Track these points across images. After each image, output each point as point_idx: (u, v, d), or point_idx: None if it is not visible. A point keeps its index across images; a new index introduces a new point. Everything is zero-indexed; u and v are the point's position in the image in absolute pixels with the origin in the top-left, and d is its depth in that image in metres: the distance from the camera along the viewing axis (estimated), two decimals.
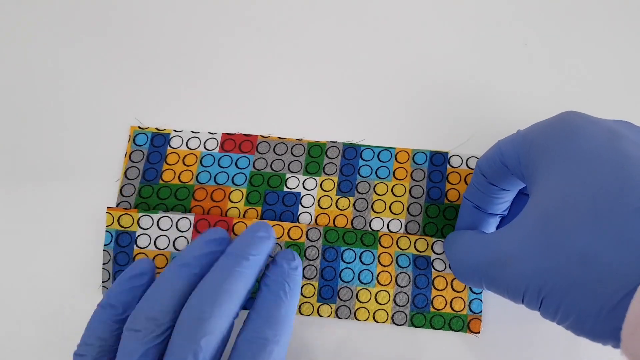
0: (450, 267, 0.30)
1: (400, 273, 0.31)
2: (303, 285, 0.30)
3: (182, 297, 0.25)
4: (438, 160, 0.33)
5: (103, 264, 0.31)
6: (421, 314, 0.30)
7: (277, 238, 0.31)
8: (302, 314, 0.30)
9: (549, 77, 0.35)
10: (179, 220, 0.31)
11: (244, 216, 0.32)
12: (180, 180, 0.32)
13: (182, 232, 0.31)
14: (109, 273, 0.30)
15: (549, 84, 0.35)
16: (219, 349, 0.24)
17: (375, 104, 0.34)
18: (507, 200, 0.29)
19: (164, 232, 0.31)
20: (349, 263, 0.31)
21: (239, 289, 0.25)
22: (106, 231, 0.31)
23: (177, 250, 0.31)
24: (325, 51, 0.36)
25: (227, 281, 0.25)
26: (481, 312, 0.30)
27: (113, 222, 0.31)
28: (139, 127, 0.34)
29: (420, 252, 0.31)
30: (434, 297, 0.30)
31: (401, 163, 0.33)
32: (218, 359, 0.24)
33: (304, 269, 0.31)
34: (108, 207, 0.32)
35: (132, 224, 0.31)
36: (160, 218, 0.31)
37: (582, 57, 0.35)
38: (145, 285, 0.26)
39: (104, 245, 0.31)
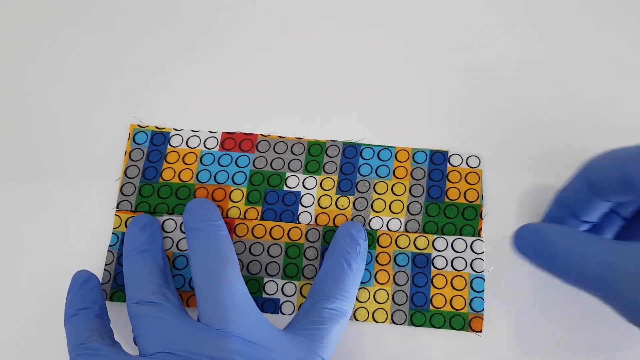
0: (532, 261, 0.27)
1: (399, 271, 0.31)
2: (302, 286, 0.31)
3: (160, 273, 0.28)
4: (438, 159, 0.33)
5: (105, 264, 0.31)
6: (420, 312, 0.30)
7: (277, 239, 0.31)
8: None
9: (549, 74, 0.35)
10: (182, 223, 0.32)
11: (244, 216, 0.32)
12: (180, 179, 0.32)
13: (185, 234, 0.32)
14: (110, 274, 0.31)
15: (550, 81, 0.34)
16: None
17: (376, 103, 0.34)
18: (607, 211, 0.28)
19: (168, 234, 0.32)
20: None
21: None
22: (113, 233, 0.32)
23: (180, 250, 0.31)
24: (325, 50, 0.35)
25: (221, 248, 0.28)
26: (483, 310, 0.30)
27: (120, 225, 0.32)
28: (139, 126, 0.34)
29: (420, 249, 0.31)
30: (433, 296, 0.31)
31: (401, 162, 0.33)
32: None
33: (303, 269, 0.31)
34: (116, 210, 0.32)
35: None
36: (165, 220, 0.32)
37: (582, 54, 0.35)
38: (96, 287, 0.28)
39: (109, 246, 0.31)
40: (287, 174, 0.33)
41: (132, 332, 0.26)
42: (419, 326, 0.30)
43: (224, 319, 0.25)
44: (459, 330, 0.30)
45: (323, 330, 0.26)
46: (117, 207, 0.32)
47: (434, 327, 0.30)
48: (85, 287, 0.28)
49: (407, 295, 0.31)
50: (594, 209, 0.27)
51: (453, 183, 0.32)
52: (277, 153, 0.33)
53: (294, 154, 0.33)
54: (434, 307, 0.30)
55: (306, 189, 0.32)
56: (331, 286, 0.28)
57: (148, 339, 0.25)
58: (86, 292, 0.28)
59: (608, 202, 0.27)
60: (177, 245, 0.31)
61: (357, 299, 0.30)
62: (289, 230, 0.31)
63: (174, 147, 0.33)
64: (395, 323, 0.30)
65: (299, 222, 0.32)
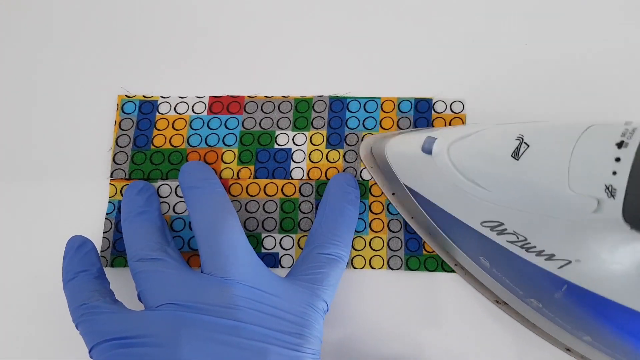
0: None
1: (392, 219, 0.32)
2: (299, 239, 0.31)
3: (159, 232, 0.29)
4: (423, 107, 0.33)
5: (104, 232, 0.32)
6: (415, 257, 0.31)
7: (272, 195, 0.32)
8: None
9: (534, 25, 0.35)
10: (177, 186, 0.32)
11: (237, 176, 0.32)
12: (171, 145, 0.33)
13: (181, 197, 0.32)
14: (109, 241, 0.31)
15: (534, 26, 0.35)
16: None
17: (359, 55, 0.35)
18: None
19: (164, 199, 0.32)
20: None
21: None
22: (109, 201, 0.32)
23: (177, 213, 0.32)
24: (304, 5, 0.36)
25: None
26: None
27: (116, 193, 0.32)
28: (126, 96, 0.34)
29: None
30: (425, 241, 0.31)
31: (387, 112, 0.33)
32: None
33: (299, 222, 0.32)
34: (110, 179, 0.32)
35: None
36: (160, 186, 0.32)
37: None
38: (92, 250, 0.28)
39: (106, 214, 0.32)
40: (277, 132, 0.33)
41: (136, 289, 0.27)
42: (414, 270, 0.31)
43: (227, 268, 0.26)
44: (450, 272, 0.31)
45: (322, 274, 0.27)
46: (111, 176, 0.33)
47: (428, 270, 0.31)
48: (80, 251, 0.28)
49: (401, 241, 0.31)
50: None
51: None
52: (265, 113, 0.33)
53: (282, 112, 0.33)
54: (427, 251, 0.31)
55: (296, 145, 0.33)
56: (326, 233, 0.29)
57: (152, 293, 0.26)
58: (82, 256, 0.28)
59: None
60: (173, 209, 0.32)
61: (353, 247, 0.31)
62: (283, 186, 0.32)
63: (162, 114, 0.34)
64: (391, 268, 0.31)
65: (292, 178, 0.32)
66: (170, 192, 0.32)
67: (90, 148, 0.33)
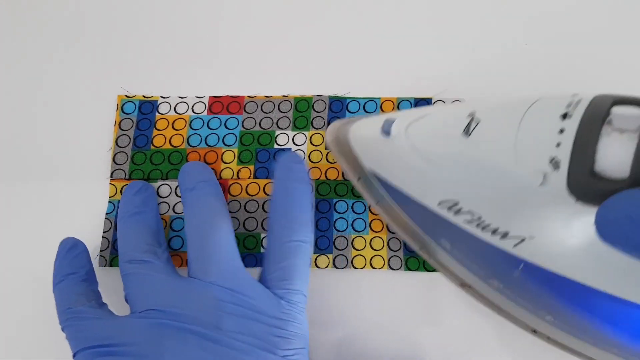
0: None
1: None
2: None
3: (151, 233, 0.29)
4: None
5: (103, 232, 0.32)
6: (414, 257, 0.31)
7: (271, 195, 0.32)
8: None
9: (535, 25, 0.35)
10: (177, 186, 0.32)
11: (237, 176, 0.32)
12: (171, 145, 0.33)
13: (180, 197, 0.32)
14: (108, 241, 0.31)
15: (533, 32, 0.35)
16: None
17: (359, 55, 0.35)
18: None
19: (164, 199, 0.32)
20: (342, 213, 0.32)
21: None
22: (109, 201, 0.32)
23: (176, 213, 0.32)
24: (304, 5, 0.36)
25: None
26: None
27: (116, 193, 0.32)
28: (126, 96, 0.34)
29: None
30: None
31: (387, 112, 0.33)
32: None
33: None
34: (110, 179, 0.32)
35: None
36: (160, 186, 0.32)
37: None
38: (83, 253, 0.28)
39: (106, 214, 0.32)
40: (277, 132, 0.33)
41: (124, 291, 0.27)
42: (414, 270, 0.31)
43: (207, 270, 0.26)
44: None
45: (288, 266, 0.27)
46: (111, 176, 0.33)
47: (427, 270, 0.31)
48: (71, 254, 0.28)
49: (400, 242, 0.31)
50: None
51: None
52: (264, 112, 0.33)
53: (282, 112, 0.33)
54: None
55: (296, 145, 0.33)
56: (280, 220, 0.28)
57: (137, 297, 0.26)
58: (72, 259, 0.28)
59: None
60: (173, 209, 0.32)
61: (354, 247, 0.31)
62: None
63: (162, 114, 0.34)
64: (392, 268, 0.31)
65: None
66: (170, 192, 0.32)
67: (90, 148, 0.33)
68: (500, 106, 0.23)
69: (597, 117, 0.19)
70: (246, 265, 0.31)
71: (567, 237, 0.21)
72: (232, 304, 0.25)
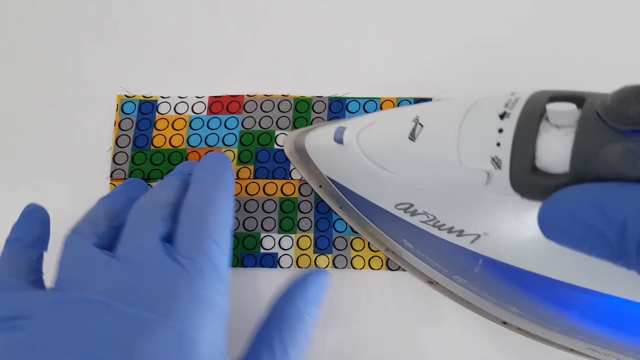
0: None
1: None
2: (298, 239, 0.31)
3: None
4: None
5: None
6: None
7: (271, 195, 0.32)
8: (300, 267, 0.31)
9: (535, 24, 0.35)
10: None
11: (237, 176, 0.32)
12: (171, 145, 0.33)
13: None
14: None
15: (534, 32, 0.35)
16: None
17: (359, 56, 0.35)
18: None
19: None
20: None
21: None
22: None
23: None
24: (303, 5, 0.36)
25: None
26: None
27: None
28: (126, 96, 0.34)
29: None
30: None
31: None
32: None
33: (298, 222, 0.32)
34: (110, 179, 0.32)
35: None
36: None
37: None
38: (37, 219, 0.27)
39: None
40: (277, 132, 0.33)
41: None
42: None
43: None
44: None
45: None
46: (111, 176, 0.33)
47: None
48: (25, 219, 0.27)
49: None
50: None
51: None
52: (264, 112, 0.33)
53: (282, 111, 0.33)
54: None
55: None
56: (186, 232, 0.25)
57: (60, 266, 0.24)
58: (24, 224, 0.26)
59: None
60: None
61: (353, 248, 0.31)
62: (282, 186, 0.32)
63: (162, 114, 0.34)
64: (390, 269, 0.31)
65: (292, 178, 0.32)
66: None
67: (90, 148, 0.33)
68: (442, 109, 0.24)
69: (534, 114, 0.20)
70: (245, 266, 0.31)
71: (519, 232, 0.22)
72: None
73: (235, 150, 0.33)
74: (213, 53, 0.35)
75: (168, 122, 0.33)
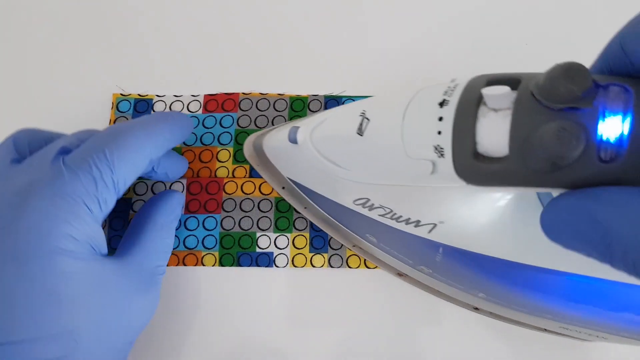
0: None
1: None
2: (294, 238, 0.31)
3: None
4: None
5: None
6: None
7: (267, 194, 0.32)
8: (295, 267, 0.31)
9: (535, 24, 0.35)
10: (172, 184, 0.32)
11: (233, 175, 0.32)
12: None
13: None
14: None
15: (534, 32, 0.35)
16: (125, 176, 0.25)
17: (354, 54, 0.34)
18: None
19: None
20: None
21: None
22: None
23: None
24: (299, 2, 0.35)
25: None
26: None
27: None
28: (121, 94, 0.34)
29: None
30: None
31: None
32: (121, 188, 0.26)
33: (294, 221, 0.32)
34: None
35: (128, 191, 0.32)
36: (154, 184, 0.32)
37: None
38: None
39: None
40: None
41: None
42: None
43: None
44: None
45: None
46: None
47: None
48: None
49: None
50: None
51: None
52: (260, 110, 0.33)
53: (277, 110, 0.33)
54: None
55: None
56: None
57: None
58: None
59: None
60: None
61: (348, 247, 0.31)
62: None
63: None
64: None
65: None
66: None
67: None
68: (387, 102, 0.24)
69: (471, 100, 0.19)
70: (241, 265, 0.31)
71: (472, 217, 0.22)
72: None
73: (231, 149, 0.33)
74: (209, 53, 0.35)
75: None
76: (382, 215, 0.25)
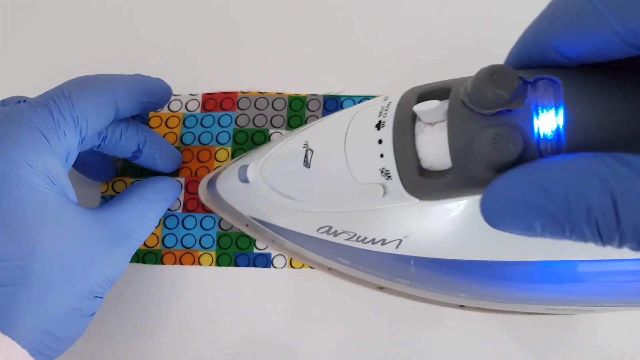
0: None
1: None
2: None
3: None
4: None
5: None
6: None
7: None
8: (293, 267, 0.31)
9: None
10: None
11: None
12: None
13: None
14: None
15: None
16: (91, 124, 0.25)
17: (354, 53, 0.34)
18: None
19: None
20: None
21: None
22: (102, 197, 0.32)
23: (170, 210, 0.32)
24: (299, 3, 0.35)
25: None
26: None
27: (108, 189, 0.32)
28: None
29: None
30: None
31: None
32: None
33: None
34: None
35: None
36: None
37: None
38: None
39: None
40: (271, 131, 0.33)
41: None
42: None
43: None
44: None
45: None
46: None
47: None
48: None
49: None
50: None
51: None
52: (258, 109, 0.33)
53: (276, 110, 0.33)
54: None
55: None
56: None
57: None
58: None
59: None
60: None
61: None
62: None
63: (155, 112, 0.33)
64: None
65: None
66: None
67: None
68: (326, 131, 0.24)
69: (406, 118, 0.19)
70: (238, 265, 0.31)
71: (434, 228, 0.22)
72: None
73: (229, 149, 0.33)
74: (207, 51, 0.35)
75: (162, 119, 0.33)
76: (348, 239, 0.25)
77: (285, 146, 0.26)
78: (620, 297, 0.24)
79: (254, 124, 0.33)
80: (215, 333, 0.31)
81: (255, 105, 0.33)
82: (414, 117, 0.19)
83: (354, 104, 0.33)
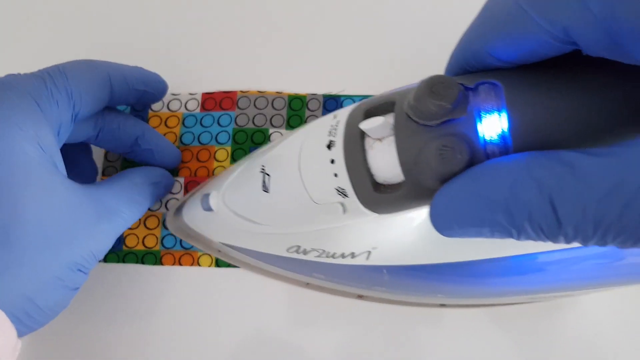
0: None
1: None
2: None
3: None
4: None
5: None
6: None
7: None
8: None
9: None
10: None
11: None
12: None
13: (173, 194, 0.32)
14: None
15: None
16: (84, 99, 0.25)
17: (353, 53, 0.34)
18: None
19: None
20: None
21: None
22: None
23: (169, 210, 0.32)
24: (299, 2, 0.35)
25: None
26: None
27: None
28: None
29: None
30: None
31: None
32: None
33: None
34: (102, 176, 0.32)
35: None
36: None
37: None
38: None
39: None
40: (270, 130, 0.33)
41: None
42: None
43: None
44: None
45: None
46: (103, 173, 0.33)
47: None
48: None
49: None
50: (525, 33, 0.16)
51: None
52: (258, 109, 0.33)
53: (275, 109, 0.33)
54: None
55: None
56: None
57: None
58: None
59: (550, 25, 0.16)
60: (165, 205, 0.32)
61: None
62: None
63: (155, 111, 0.33)
64: None
65: None
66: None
67: None
68: (280, 154, 0.24)
69: (355, 135, 0.20)
70: (237, 265, 0.31)
71: (399, 237, 0.23)
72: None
73: (229, 149, 0.32)
74: (207, 50, 0.35)
75: (161, 119, 0.33)
76: (319, 256, 0.25)
77: (244, 172, 0.26)
78: (589, 281, 0.24)
79: (254, 124, 0.33)
80: (214, 333, 0.30)
81: (254, 105, 0.33)
82: (363, 133, 0.19)
83: (354, 103, 0.33)
